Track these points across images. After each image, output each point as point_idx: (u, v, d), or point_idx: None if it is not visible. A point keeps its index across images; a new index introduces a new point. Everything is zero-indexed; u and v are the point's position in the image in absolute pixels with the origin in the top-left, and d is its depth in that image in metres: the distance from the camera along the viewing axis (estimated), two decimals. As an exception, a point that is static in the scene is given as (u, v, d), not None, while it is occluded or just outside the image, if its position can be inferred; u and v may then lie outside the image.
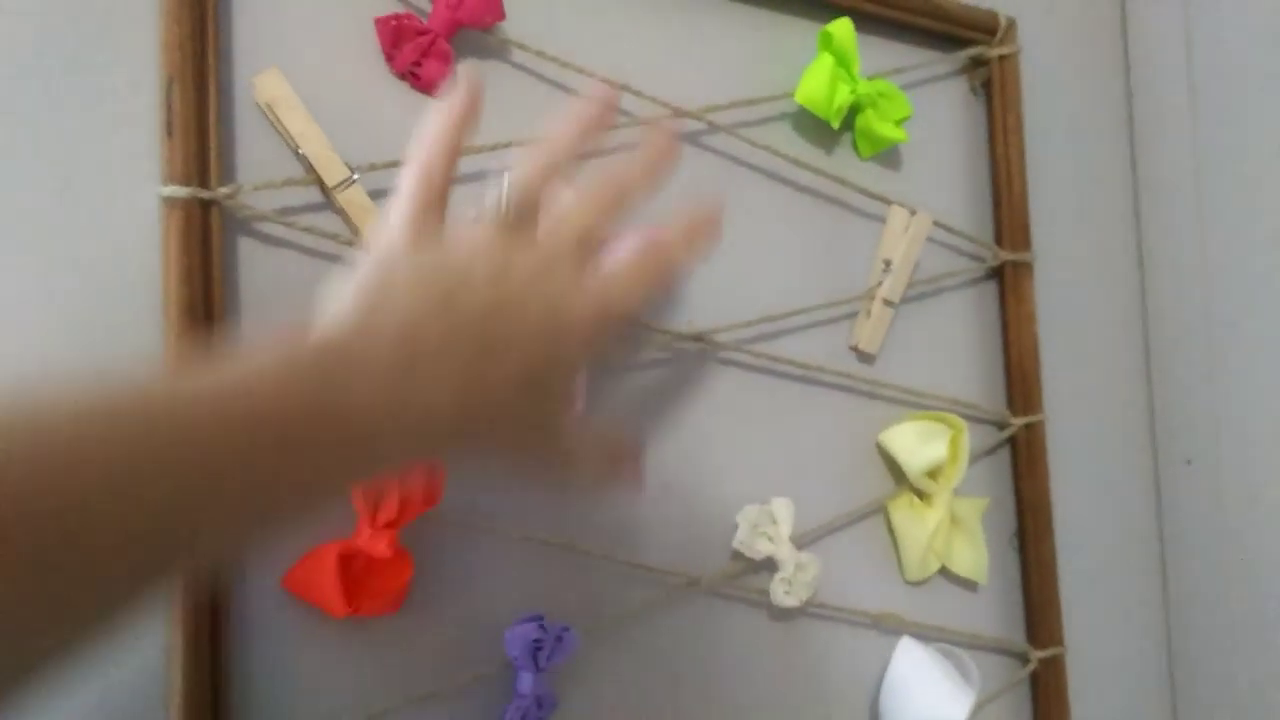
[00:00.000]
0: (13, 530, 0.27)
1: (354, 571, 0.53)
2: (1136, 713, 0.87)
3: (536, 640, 0.57)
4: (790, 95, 0.72)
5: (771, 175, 0.73)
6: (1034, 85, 0.84)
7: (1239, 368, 0.85)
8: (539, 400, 0.42)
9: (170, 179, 0.51)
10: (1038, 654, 0.78)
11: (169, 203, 0.51)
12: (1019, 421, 0.80)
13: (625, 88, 0.65)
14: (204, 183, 0.52)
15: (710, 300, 0.69)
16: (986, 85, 0.83)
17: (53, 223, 0.51)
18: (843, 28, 0.72)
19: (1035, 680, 0.79)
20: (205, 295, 0.51)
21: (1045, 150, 0.86)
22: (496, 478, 0.49)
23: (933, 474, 0.74)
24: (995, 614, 0.79)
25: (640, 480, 0.51)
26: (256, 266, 0.55)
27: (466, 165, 0.58)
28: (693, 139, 0.70)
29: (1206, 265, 0.88)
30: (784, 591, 0.67)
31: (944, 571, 0.76)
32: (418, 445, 0.39)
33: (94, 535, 0.28)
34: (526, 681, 0.57)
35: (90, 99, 0.52)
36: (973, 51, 0.82)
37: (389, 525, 0.53)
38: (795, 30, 0.74)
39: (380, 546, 0.53)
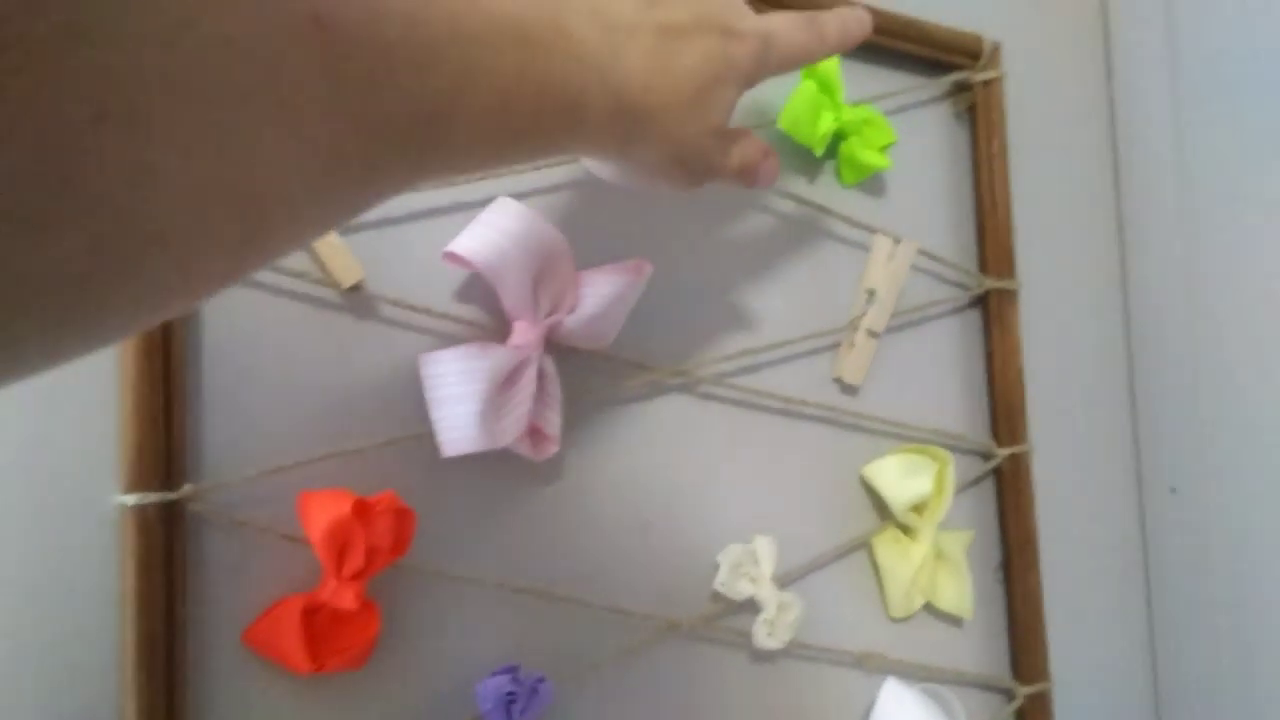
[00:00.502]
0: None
1: (318, 626, 0.51)
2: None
3: (510, 693, 0.55)
4: (773, 123, 0.70)
5: (753, 204, 0.71)
6: (1018, 110, 0.83)
7: (1223, 396, 0.84)
8: (712, 98, 0.46)
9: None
10: (1024, 690, 0.77)
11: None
12: (1004, 452, 0.78)
13: (603, 116, 0.63)
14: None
15: (690, 334, 0.67)
16: (970, 110, 0.82)
17: None
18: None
19: (1021, 717, 0.77)
20: (163, 335, 0.49)
21: (1030, 176, 0.84)
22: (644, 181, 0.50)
23: (917, 508, 0.72)
24: (980, 649, 0.78)
25: (775, 176, 0.56)
26: (217, 305, 0.52)
27: (443, 198, 0.57)
28: (673, 167, 0.68)
29: (1191, 294, 0.87)
30: (766, 634, 0.65)
31: (929, 608, 0.75)
32: (611, 115, 0.42)
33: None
34: (500, 735, 0.55)
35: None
36: (956, 76, 0.80)
37: (355, 576, 0.51)
38: (777, 55, 0.72)
39: (347, 599, 0.51)
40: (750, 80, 0.49)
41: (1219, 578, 0.84)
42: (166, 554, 0.48)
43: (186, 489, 0.49)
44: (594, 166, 0.52)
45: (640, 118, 0.44)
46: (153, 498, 0.48)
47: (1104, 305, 0.90)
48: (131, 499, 0.47)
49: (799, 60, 0.54)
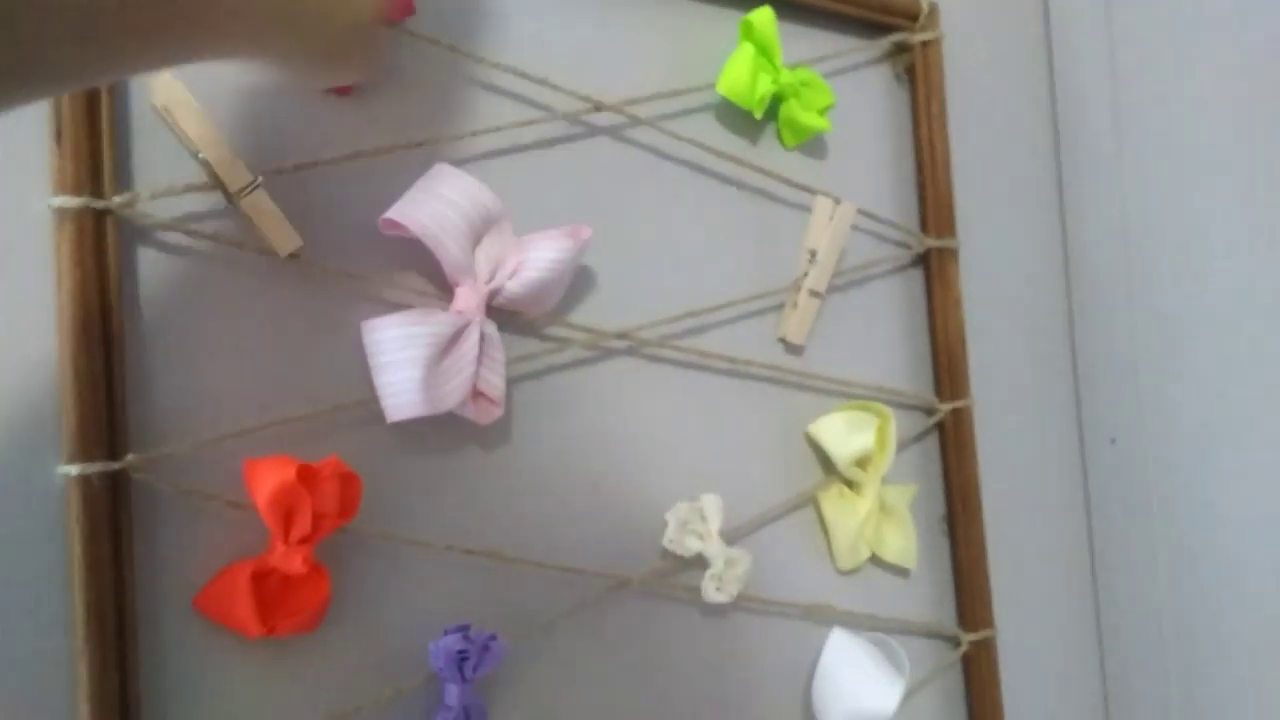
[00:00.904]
0: None
1: (268, 590, 0.52)
2: (1067, 693, 0.88)
3: (461, 651, 0.56)
4: (712, 86, 0.71)
5: (695, 167, 0.72)
6: (957, 70, 0.84)
7: (1160, 349, 0.87)
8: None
9: (61, 188, 0.49)
10: (969, 637, 0.79)
11: (60, 213, 0.49)
12: (946, 407, 0.80)
13: (543, 81, 0.64)
14: (97, 191, 0.50)
15: (635, 296, 0.68)
16: (910, 71, 0.83)
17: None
18: (763, 16, 0.71)
19: (967, 662, 0.80)
20: (102, 308, 0.49)
21: (970, 136, 0.86)
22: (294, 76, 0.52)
23: (861, 463, 0.74)
24: (927, 599, 0.80)
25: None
26: (157, 276, 0.53)
27: (383, 165, 0.57)
28: (614, 132, 0.69)
29: (1129, 250, 0.89)
30: (715, 588, 0.66)
31: (875, 559, 0.77)
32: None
33: None
34: (453, 694, 0.56)
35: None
36: (896, 38, 0.81)
37: (304, 541, 0.52)
38: (716, 20, 0.73)
39: (295, 563, 0.52)
40: None
41: (1158, 524, 0.87)
42: (112, 523, 0.49)
43: (130, 459, 0.49)
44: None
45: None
46: (96, 467, 0.48)
47: (1044, 263, 0.92)
48: (75, 469, 0.48)
49: None
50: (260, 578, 0.51)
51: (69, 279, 0.48)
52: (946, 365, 0.81)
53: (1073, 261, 0.92)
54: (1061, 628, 0.89)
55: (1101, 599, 0.91)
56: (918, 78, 0.82)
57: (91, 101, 0.50)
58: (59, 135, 0.49)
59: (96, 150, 0.50)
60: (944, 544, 0.81)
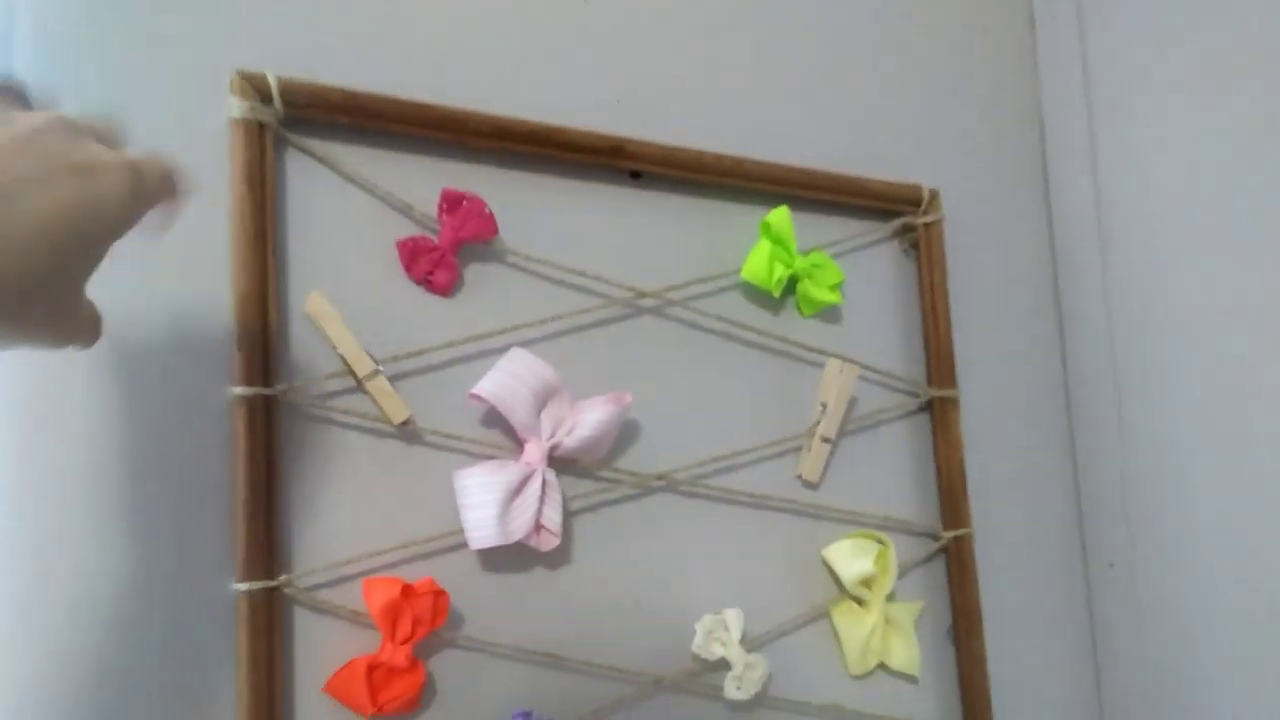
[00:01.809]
0: None
1: (378, 679, 0.68)
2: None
3: (525, 731, 0.72)
4: (738, 271, 0.88)
5: (724, 336, 0.89)
6: (959, 242, 0.99)
7: (1153, 479, 0.98)
8: (76, 250, 0.43)
9: (238, 380, 0.68)
10: (970, 737, 0.91)
11: (238, 399, 0.68)
12: (949, 535, 0.93)
13: (598, 277, 0.82)
14: (266, 382, 0.68)
15: (672, 444, 0.84)
16: (915, 246, 0.98)
17: (142, 422, 0.67)
18: (779, 215, 0.88)
19: (969, 760, 0.91)
20: (268, 469, 0.67)
21: (971, 299, 1.01)
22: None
23: (867, 583, 0.87)
24: (934, 703, 0.92)
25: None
26: (306, 442, 0.71)
27: (471, 350, 0.75)
28: (656, 311, 0.86)
29: (1121, 388, 1.01)
30: (735, 688, 0.80)
31: (883, 667, 0.90)
32: None
33: None
34: (518, 766, 0.72)
35: (179, 324, 0.69)
36: (903, 220, 0.97)
37: (405, 641, 0.69)
38: (741, 215, 0.90)
39: (399, 659, 0.68)
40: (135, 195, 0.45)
41: (1155, 639, 0.97)
42: (269, 627, 0.66)
43: (282, 578, 0.67)
44: None
45: None
46: (259, 585, 0.66)
47: (1045, 405, 1.05)
48: (244, 586, 0.66)
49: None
50: (373, 669, 0.68)
51: (243, 451, 0.67)
52: (949, 498, 0.94)
53: (1073, 403, 1.05)
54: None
55: (1105, 707, 1.01)
56: (922, 252, 0.98)
57: (261, 311, 0.69)
58: (238, 340, 0.69)
59: (264, 350, 0.69)
60: (950, 653, 0.94)
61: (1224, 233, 0.94)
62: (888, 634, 0.89)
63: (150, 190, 0.46)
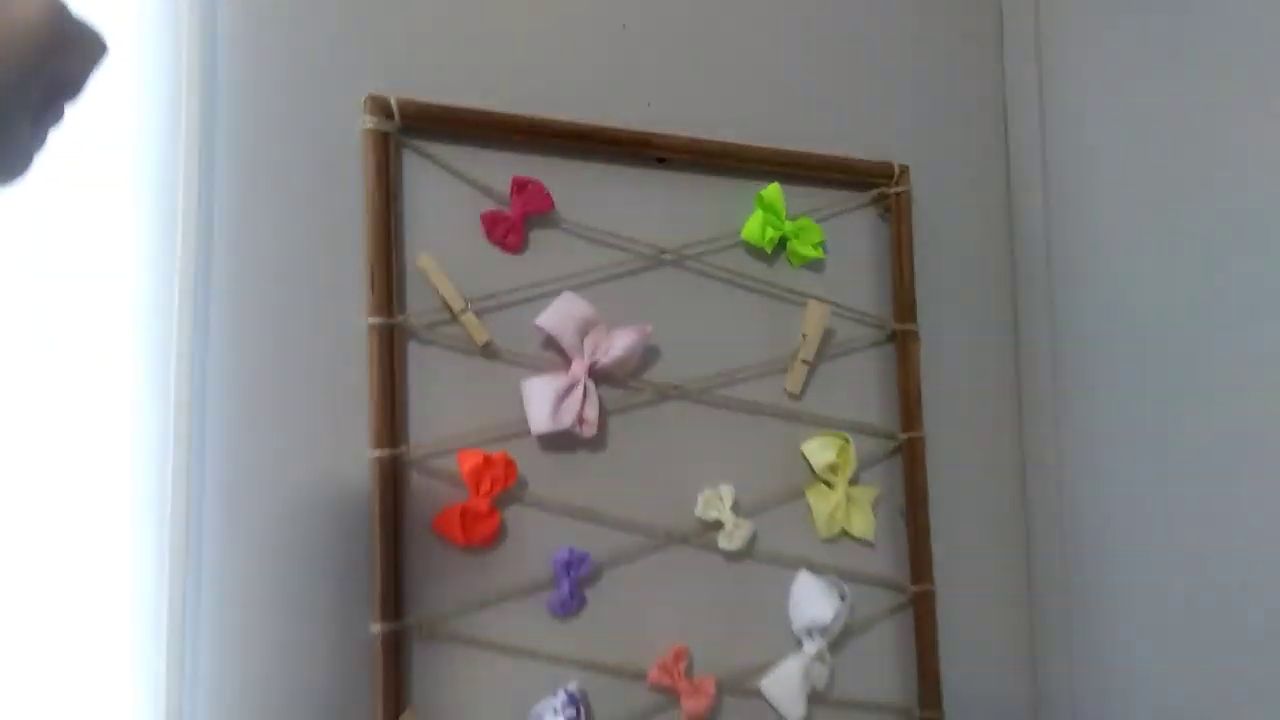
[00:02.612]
0: None
1: (468, 521, 0.99)
2: (997, 637, 1.26)
3: (568, 562, 1.02)
4: (739, 233, 1.15)
5: (728, 283, 1.16)
6: (926, 208, 1.25)
7: (1081, 394, 1.23)
8: None
9: (373, 313, 0.99)
10: (914, 588, 1.19)
11: (372, 327, 0.98)
12: (904, 436, 1.21)
13: (629, 239, 1.10)
14: (391, 313, 0.99)
15: (685, 363, 1.13)
16: (888, 212, 1.24)
17: (301, 333, 0.99)
18: (771, 191, 1.15)
19: (913, 605, 1.19)
20: (392, 385, 0.98)
21: (934, 253, 1.26)
22: None
23: (833, 469, 1.15)
24: (887, 564, 1.20)
25: None
26: (421, 364, 1.02)
27: (534, 293, 1.04)
28: (676, 264, 1.14)
29: (1057, 322, 1.26)
30: (726, 541, 1.10)
31: (846, 534, 1.18)
32: None
33: None
34: (565, 586, 1.03)
35: (329, 273, 1.00)
36: (876, 191, 1.23)
37: (486, 495, 1.00)
38: (743, 189, 1.17)
39: (481, 507, 0.99)
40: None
41: (1076, 515, 1.24)
42: (394, 483, 0.98)
43: (403, 449, 0.98)
44: None
45: None
46: (388, 452, 0.97)
47: (994, 338, 1.31)
48: (376, 453, 0.97)
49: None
50: (464, 513, 0.99)
51: (375, 363, 0.98)
52: (906, 409, 1.21)
53: (1021, 339, 1.31)
54: (993, 583, 1.27)
55: (1032, 562, 1.28)
56: (893, 217, 1.23)
57: (386, 266, 0.99)
58: (372, 286, 0.99)
59: (388, 292, 1.00)
60: (902, 527, 1.21)
61: (1156, 199, 1.17)
62: (850, 509, 1.17)
63: (70, 33, 0.46)
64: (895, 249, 1.23)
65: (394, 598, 0.96)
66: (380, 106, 0.99)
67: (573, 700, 1.00)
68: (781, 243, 1.18)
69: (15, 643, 0.86)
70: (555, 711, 0.98)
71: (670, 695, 1.07)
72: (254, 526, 0.95)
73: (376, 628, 0.95)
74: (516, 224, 1.06)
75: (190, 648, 0.91)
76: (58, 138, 0.48)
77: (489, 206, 1.06)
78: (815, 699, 1.13)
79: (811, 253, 1.18)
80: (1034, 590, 1.28)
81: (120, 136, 0.94)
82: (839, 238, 1.22)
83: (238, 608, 0.94)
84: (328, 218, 1.00)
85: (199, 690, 0.91)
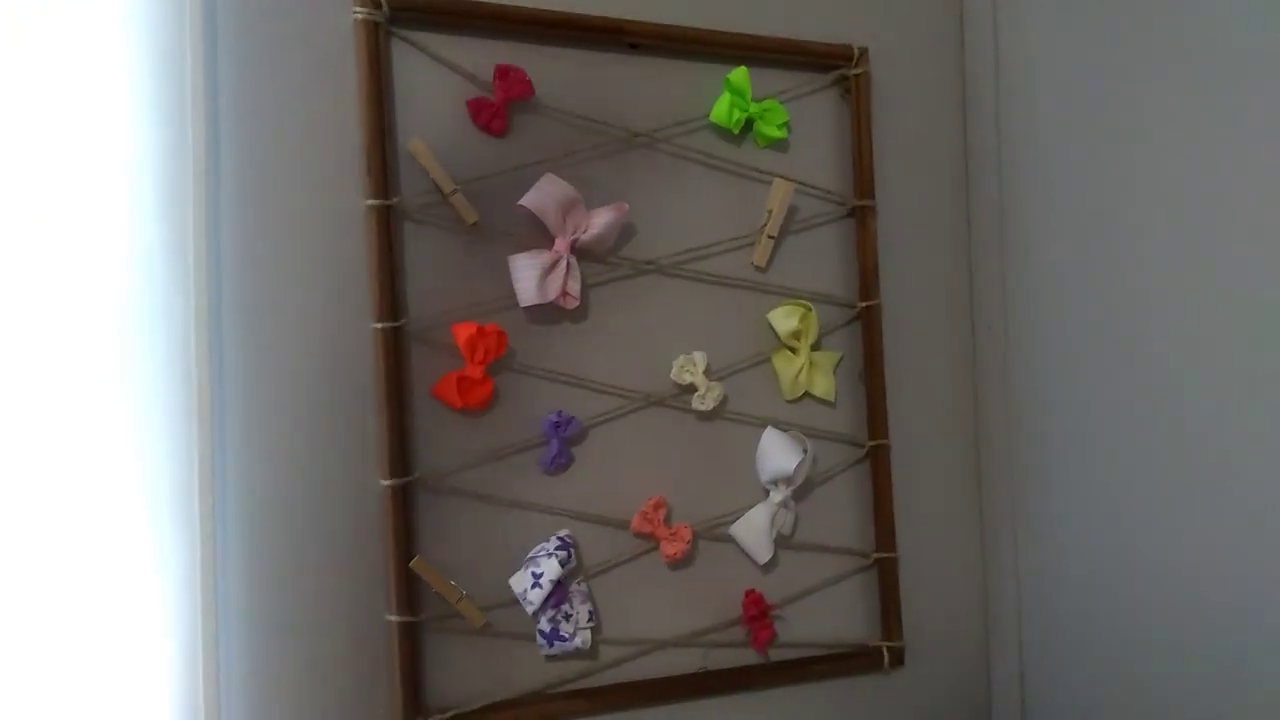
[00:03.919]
0: None
1: (464, 386, 1.08)
2: (947, 485, 1.38)
3: (557, 423, 1.12)
4: (707, 115, 1.22)
5: (698, 163, 1.24)
6: (884, 89, 1.32)
7: (1027, 264, 1.33)
8: None
9: (369, 195, 1.06)
10: (870, 443, 1.30)
11: (369, 209, 1.06)
12: (863, 304, 1.30)
13: (604, 122, 1.17)
14: (385, 196, 1.06)
15: (659, 239, 1.21)
16: (849, 92, 1.31)
17: (303, 216, 1.06)
18: (738, 74, 1.21)
19: (870, 458, 1.31)
20: (390, 260, 1.06)
21: (892, 132, 1.34)
22: None
23: (796, 335, 1.25)
24: (846, 422, 1.32)
25: None
26: (414, 237, 1.09)
27: (518, 174, 1.12)
28: (649, 146, 1.21)
29: (1004, 195, 1.35)
30: (699, 402, 1.20)
31: (809, 395, 1.28)
32: None
33: None
34: (554, 445, 1.13)
35: (329, 159, 1.06)
36: (838, 73, 1.30)
37: (480, 363, 1.08)
38: (711, 73, 1.24)
39: (476, 374, 1.08)
40: None
41: (1019, 373, 1.35)
42: (396, 348, 1.06)
43: (403, 320, 1.07)
44: None
45: None
46: (389, 324, 1.05)
47: (947, 212, 1.40)
48: (379, 325, 1.05)
49: None
50: (460, 380, 1.08)
51: (374, 237, 1.05)
52: (864, 279, 1.31)
53: (972, 210, 1.40)
54: (943, 439, 1.38)
55: (979, 421, 1.40)
56: (853, 97, 1.31)
57: (380, 150, 1.06)
58: (367, 169, 1.06)
59: (383, 176, 1.06)
60: (860, 390, 1.32)
61: (1099, 75, 1.24)
62: (812, 372, 1.27)
63: None
64: (855, 128, 1.31)
65: (400, 456, 1.06)
66: (368, -3, 1.05)
67: (564, 544, 1.11)
68: (748, 124, 1.25)
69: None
70: (549, 554, 1.09)
71: (650, 541, 1.19)
72: (269, 394, 1.04)
73: (385, 483, 1.05)
74: (500, 109, 1.12)
75: (219, 494, 1.01)
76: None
77: (474, 93, 1.12)
78: (781, 543, 1.25)
79: (776, 133, 1.25)
80: (981, 442, 1.40)
81: (123, 44, 0.99)
82: (802, 118, 1.29)
83: (259, 463, 1.03)
84: (325, 108, 1.06)
85: (229, 531, 1.02)
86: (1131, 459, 1.20)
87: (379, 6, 1.05)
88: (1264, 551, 1.06)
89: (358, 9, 1.05)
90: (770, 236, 1.26)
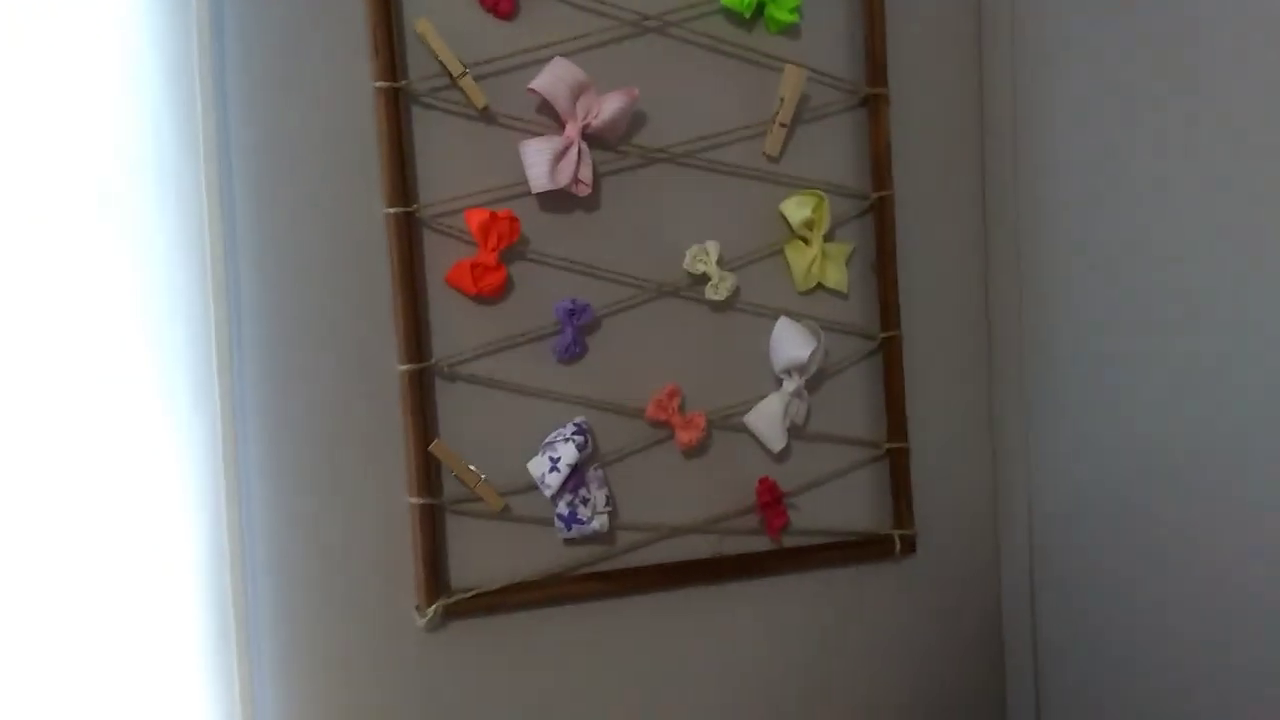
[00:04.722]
0: None
1: (478, 273, 1.08)
2: (957, 379, 1.38)
3: (571, 310, 1.12)
4: (719, -1, 1.21)
5: (709, 49, 1.22)
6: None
7: (1044, 139, 1.32)
8: None
9: (378, 78, 1.04)
10: (882, 334, 1.30)
11: (378, 91, 1.04)
12: (875, 195, 1.29)
13: (615, 5, 1.15)
14: (394, 78, 1.05)
15: (671, 127, 1.20)
16: (863, -24, 1.29)
17: (313, 101, 1.04)
18: (750, -45, 1.19)
19: (882, 349, 1.31)
20: (399, 143, 1.05)
21: (906, 18, 1.31)
22: None
23: (809, 225, 1.24)
24: (858, 314, 1.31)
25: None
26: (422, 120, 1.08)
27: (528, 59, 1.10)
28: (660, 31, 1.19)
29: (1017, 81, 1.33)
30: (712, 291, 1.20)
31: (822, 286, 1.28)
32: None
33: None
34: (568, 333, 1.13)
35: (334, 40, 1.04)
36: (851, -45, 1.27)
37: (493, 250, 1.08)
38: (724, -43, 1.21)
39: (489, 260, 1.08)
40: None
41: (1029, 263, 1.34)
42: (409, 239, 1.05)
43: (415, 206, 1.06)
44: None
45: None
46: (400, 210, 1.04)
47: (963, 100, 1.38)
48: (391, 210, 1.04)
49: None
50: (474, 266, 1.08)
51: (384, 122, 1.04)
52: (877, 169, 1.29)
53: (985, 100, 1.38)
54: (954, 331, 1.38)
55: (991, 308, 1.39)
56: (866, -19, 1.28)
57: (388, 31, 1.04)
58: (375, 52, 1.04)
59: (391, 57, 1.05)
60: (872, 281, 1.31)
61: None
62: (825, 264, 1.27)
63: None
64: (868, 14, 1.28)
65: (415, 340, 1.06)
66: None
67: (580, 429, 1.11)
68: (760, 8, 1.23)
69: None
70: (566, 439, 1.10)
71: (665, 429, 1.19)
72: (284, 280, 1.04)
73: (402, 367, 1.05)
74: (507, -8, 1.10)
75: (236, 382, 1.01)
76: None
77: (481, -23, 1.10)
78: (794, 432, 1.26)
79: (788, 17, 1.23)
80: (992, 334, 1.40)
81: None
82: (815, 3, 1.27)
83: (277, 351, 1.04)
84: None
85: (248, 421, 1.02)
86: (1143, 350, 1.20)
87: (384, -119, 1.03)
88: (1275, 435, 1.06)
89: (362, -116, 1.02)
90: (782, 125, 1.24)
